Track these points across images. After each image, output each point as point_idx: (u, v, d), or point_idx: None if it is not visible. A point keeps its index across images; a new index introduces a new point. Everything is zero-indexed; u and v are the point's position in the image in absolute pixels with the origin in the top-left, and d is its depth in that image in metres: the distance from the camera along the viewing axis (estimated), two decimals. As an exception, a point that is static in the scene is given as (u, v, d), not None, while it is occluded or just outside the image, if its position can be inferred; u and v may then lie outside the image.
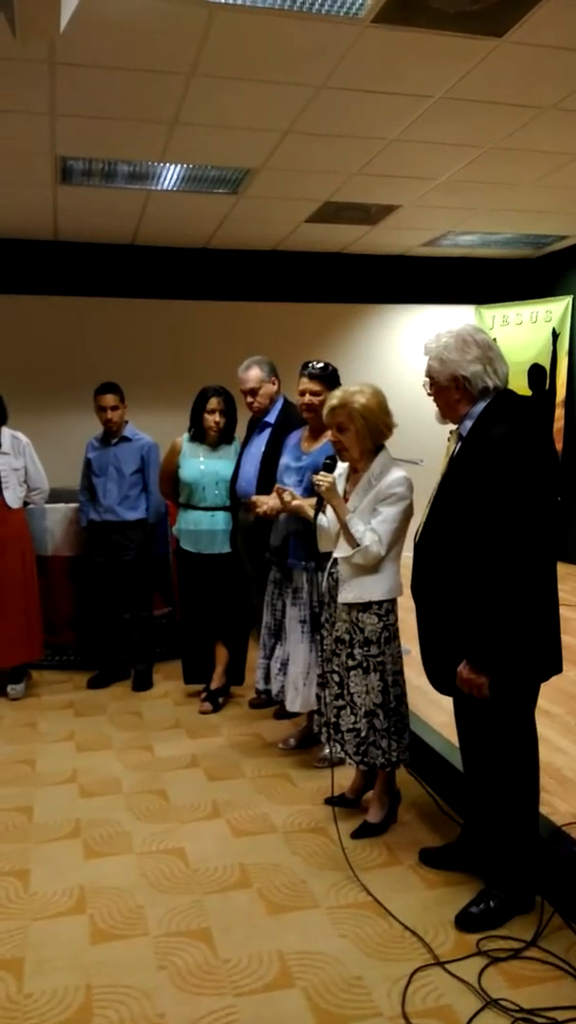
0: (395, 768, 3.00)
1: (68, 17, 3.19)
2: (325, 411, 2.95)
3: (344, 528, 2.88)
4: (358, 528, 2.85)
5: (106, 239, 6.79)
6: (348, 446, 2.92)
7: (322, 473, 2.93)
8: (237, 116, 4.27)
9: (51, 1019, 2.11)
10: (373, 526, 2.84)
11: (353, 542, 2.85)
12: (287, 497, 3.32)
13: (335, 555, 2.95)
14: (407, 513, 2.88)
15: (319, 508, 3.02)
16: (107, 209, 5.90)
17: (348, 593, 2.91)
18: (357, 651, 2.91)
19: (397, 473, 2.89)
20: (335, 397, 2.92)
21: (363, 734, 2.91)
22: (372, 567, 2.87)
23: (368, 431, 2.88)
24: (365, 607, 2.89)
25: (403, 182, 5.43)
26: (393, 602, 2.94)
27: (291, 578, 3.52)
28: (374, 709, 2.90)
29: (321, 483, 2.89)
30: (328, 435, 3.16)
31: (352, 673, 2.92)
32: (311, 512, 3.19)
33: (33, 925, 2.51)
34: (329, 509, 3.00)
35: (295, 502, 3.29)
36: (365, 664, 2.90)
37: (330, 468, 2.96)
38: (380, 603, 2.89)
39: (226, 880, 2.73)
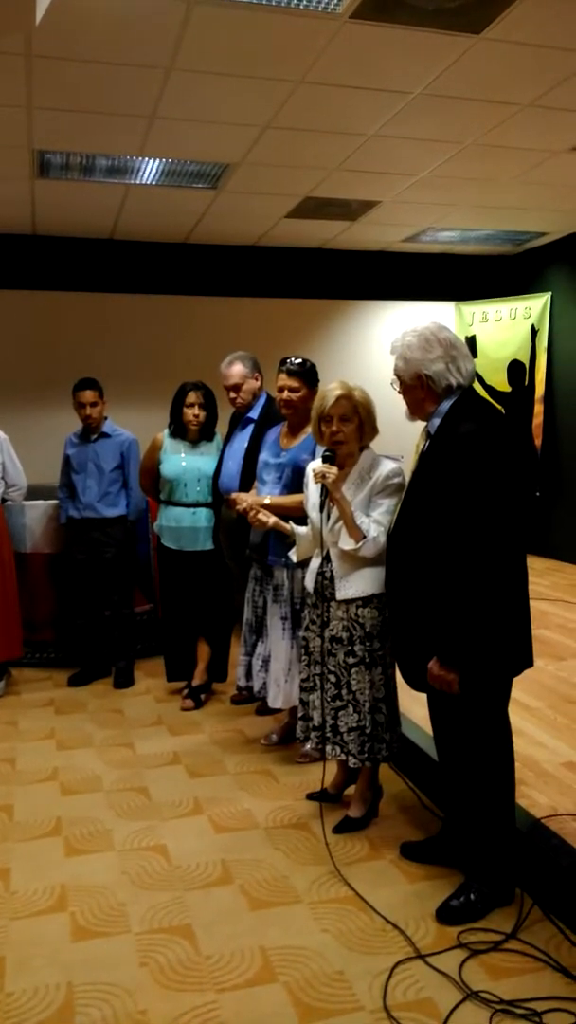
0: (394, 759, 3.01)
1: (44, 9, 3.17)
2: (328, 400, 2.84)
3: (349, 520, 2.80)
4: (363, 520, 2.80)
5: (85, 233, 6.75)
6: (348, 438, 2.85)
7: (325, 465, 2.84)
8: (216, 111, 4.25)
9: (32, 1018, 2.10)
10: (376, 517, 2.81)
11: (358, 534, 2.79)
12: (263, 518, 3.26)
13: (342, 547, 2.84)
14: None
15: (323, 501, 2.87)
16: (86, 203, 5.86)
17: (349, 589, 2.85)
18: (358, 647, 2.85)
19: (391, 464, 2.87)
20: (338, 387, 2.85)
21: (368, 731, 2.86)
22: (372, 560, 2.82)
23: (369, 425, 2.88)
24: (366, 601, 2.85)
25: (383, 178, 5.44)
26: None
27: (272, 575, 3.52)
28: (377, 704, 2.89)
29: (328, 475, 2.80)
30: (307, 431, 3.17)
31: (354, 670, 2.86)
32: (287, 526, 3.18)
33: (13, 924, 2.50)
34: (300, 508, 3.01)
35: (271, 520, 3.25)
36: (368, 659, 2.86)
37: (331, 460, 2.85)
38: (380, 596, 2.85)
39: (208, 876, 2.74)
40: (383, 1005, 2.11)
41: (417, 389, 2.46)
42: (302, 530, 3.08)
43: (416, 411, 2.51)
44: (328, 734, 2.93)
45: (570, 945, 2.32)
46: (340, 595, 2.87)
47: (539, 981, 2.18)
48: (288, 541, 3.23)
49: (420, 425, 2.58)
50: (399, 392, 2.54)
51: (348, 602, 2.87)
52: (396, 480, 2.84)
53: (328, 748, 2.94)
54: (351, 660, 2.87)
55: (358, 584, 2.85)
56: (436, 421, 2.44)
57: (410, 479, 2.54)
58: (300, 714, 3.11)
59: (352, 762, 2.91)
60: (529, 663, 2.44)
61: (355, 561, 2.84)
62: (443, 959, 2.28)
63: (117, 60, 3.66)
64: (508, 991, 2.14)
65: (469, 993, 2.13)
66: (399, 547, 2.51)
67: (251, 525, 3.41)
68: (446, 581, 2.30)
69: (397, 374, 2.51)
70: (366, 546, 2.79)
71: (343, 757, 2.92)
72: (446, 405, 2.42)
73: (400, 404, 2.56)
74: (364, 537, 2.78)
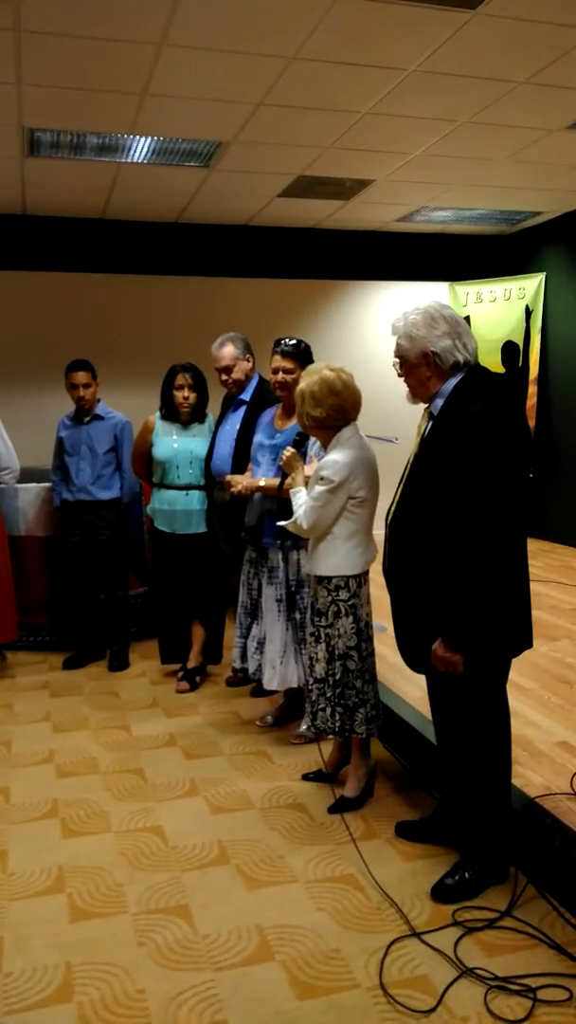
0: (339, 736, 3.09)
1: (33, -17, 3.11)
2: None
3: (292, 500, 3.07)
4: (297, 500, 3.02)
5: (76, 213, 6.68)
6: (302, 423, 3.05)
7: (288, 447, 3.14)
8: (208, 87, 4.20)
9: (31, 998, 2.12)
10: (307, 500, 2.96)
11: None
12: (262, 483, 3.42)
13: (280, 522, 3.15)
14: (338, 495, 2.90)
15: (281, 481, 3.19)
16: (76, 182, 5.79)
17: (308, 564, 3.10)
18: (314, 618, 3.05)
19: (331, 456, 2.93)
20: (305, 369, 3.09)
21: (313, 697, 3.05)
22: (329, 543, 2.95)
23: (323, 410, 2.93)
24: (319, 580, 3.01)
25: (376, 156, 5.39)
26: (347, 579, 2.96)
27: (267, 557, 3.52)
28: (324, 677, 3.00)
29: (283, 455, 3.11)
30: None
31: (311, 638, 3.08)
32: (275, 482, 3.29)
33: (11, 905, 2.51)
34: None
35: (261, 481, 3.40)
36: (316, 633, 3.03)
37: (298, 444, 3.18)
38: (329, 578, 2.97)
39: (204, 857, 2.75)
40: (379, 983, 2.13)
41: (422, 368, 2.42)
42: (301, 496, 3.09)
43: (419, 392, 2.48)
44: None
45: (564, 922, 2.35)
46: (305, 568, 3.17)
47: (533, 958, 2.21)
48: (287, 509, 3.24)
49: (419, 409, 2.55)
50: (401, 375, 2.49)
51: (313, 577, 3.05)
52: (323, 473, 2.91)
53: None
54: (311, 628, 3.08)
55: (313, 562, 3.03)
56: (439, 402, 2.40)
57: (412, 461, 2.51)
58: (298, 685, 3.33)
59: (305, 720, 3.16)
60: (529, 644, 2.44)
61: (315, 540, 3.01)
62: (438, 937, 2.30)
63: (108, 36, 3.60)
64: (503, 968, 2.16)
65: (464, 970, 2.16)
66: (400, 529, 2.49)
67: (242, 496, 3.53)
68: (451, 562, 2.29)
69: (400, 354, 2.46)
70: (290, 524, 3.02)
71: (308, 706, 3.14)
72: (450, 384, 2.39)
73: (400, 383, 2.53)
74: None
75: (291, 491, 3.07)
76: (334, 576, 2.96)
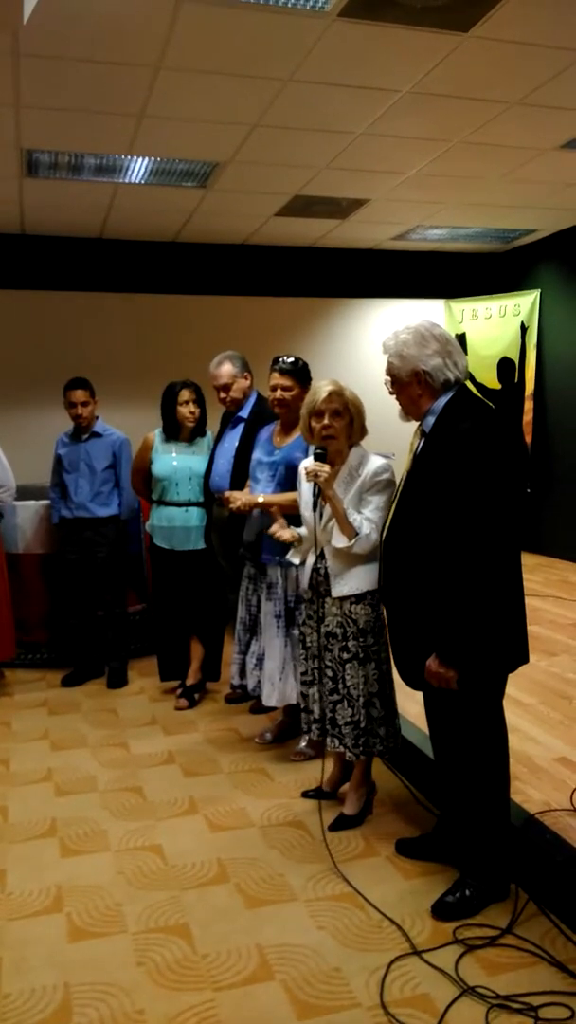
0: (391, 753, 3.02)
1: (32, 8, 3.16)
2: (320, 395, 2.84)
3: (341, 518, 2.81)
4: (355, 517, 2.81)
5: (74, 233, 6.73)
6: (338, 434, 2.85)
7: (317, 464, 2.80)
8: (204, 109, 4.25)
9: (30, 1019, 2.10)
10: (367, 514, 2.82)
11: (351, 532, 2.79)
12: (261, 499, 3.35)
13: (335, 544, 2.84)
14: (392, 499, 2.91)
15: (316, 499, 2.87)
16: (74, 202, 5.85)
17: (343, 586, 2.87)
18: (351, 643, 2.88)
19: (379, 461, 2.88)
20: (330, 383, 2.86)
21: (362, 724, 2.89)
22: (365, 557, 2.84)
23: (359, 423, 2.90)
24: (359, 598, 2.87)
25: (372, 176, 5.44)
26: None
27: (265, 573, 3.52)
28: (371, 699, 2.91)
29: (320, 473, 2.77)
30: (299, 430, 3.16)
31: (347, 666, 2.88)
32: (297, 535, 3.07)
33: (9, 925, 2.50)
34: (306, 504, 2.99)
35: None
36: (361, 655, 2.88)
37: (323, 457, 2.82)
38: (373, 592, 2.88)
39: (204, 875, 2.74)
40: (380, 1001, 2.11)
41: (413, 386, 2.45)
42: (303, 531, 3.08)
43: (410, 410, 2.51)
44: (328, 726, 2.97)
45: (565, 939, 2.34)
46: (335, 592, 2.88)
47: (535, 976, 2.20)
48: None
49: (412, 425, 2.57)
50: (392, 392, 2.53)
51: (342, 599, 2.89)
52: (384, 476, 2.85)
53: (328, 740, 2.99)
54: (345, 656, 2.89)
55: (352, 581, 2.87)
56: (431, 420, 2.43)
57: (405, 479, 2.53)
58: (302, 707, 3.13)
59: (348, 755, 2.93)
60: (525, 659, 2.45)
61: (349, 558, 2.85)
62: (439, 955, 2.29)
63: (105, 59, 3.65)
64: (504, 986, 2.15)
65: (465, 988, 2.14)
66: (395, 546, 2.51)
67: (241, 512, 3.46)
68: (444, 579, 2.30)
69: (392, 373, 2.49)
70: (359, 543, 2.80)
71: (341, 749, 2.94)
72: (441, 402, 2.42)
73: (392, 403, 2.56)
74: (357, 534, 2.79)
75: (346, 510, 2.80)
76: (374, 590, 2.88)
